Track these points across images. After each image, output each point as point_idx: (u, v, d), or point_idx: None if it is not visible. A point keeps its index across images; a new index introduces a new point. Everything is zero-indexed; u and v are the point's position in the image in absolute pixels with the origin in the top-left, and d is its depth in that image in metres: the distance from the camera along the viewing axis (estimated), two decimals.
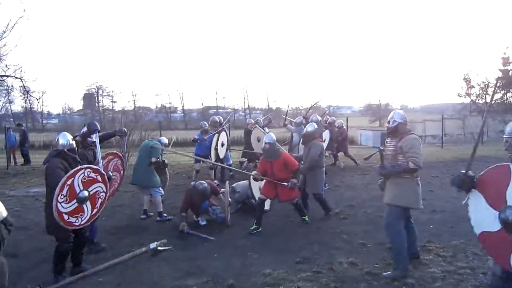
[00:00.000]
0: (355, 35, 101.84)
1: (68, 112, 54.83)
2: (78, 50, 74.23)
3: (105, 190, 4.67)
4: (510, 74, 27.68)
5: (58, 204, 4.12)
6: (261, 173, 6.43)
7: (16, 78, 16.48)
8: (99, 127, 5.47)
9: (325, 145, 11.28)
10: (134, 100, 53.74)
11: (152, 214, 7.16)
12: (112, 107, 52.42)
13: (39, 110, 50.50)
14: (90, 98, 52.74)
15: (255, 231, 6.10)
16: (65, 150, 4.54)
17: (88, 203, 4.45)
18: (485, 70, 77.68)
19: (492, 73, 41.95)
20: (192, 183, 6.84)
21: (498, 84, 28.15)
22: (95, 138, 5.36)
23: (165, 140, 7.81)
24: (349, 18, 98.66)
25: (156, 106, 56.40)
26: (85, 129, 5.53)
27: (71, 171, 4.29)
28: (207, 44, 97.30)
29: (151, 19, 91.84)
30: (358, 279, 4.34)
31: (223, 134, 10.09)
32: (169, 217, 6.99)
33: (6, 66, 16.39)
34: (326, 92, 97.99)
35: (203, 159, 9.19)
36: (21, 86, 17.23)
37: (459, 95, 29.87)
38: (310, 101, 62.34)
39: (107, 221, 6.85)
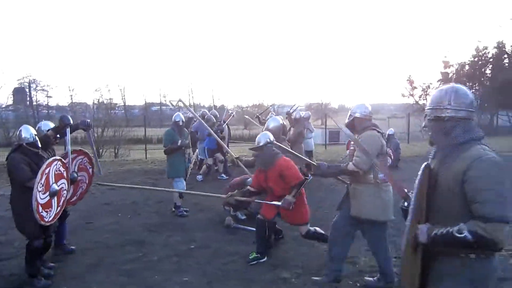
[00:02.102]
0: (299, 33, 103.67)
1: None
2: (8, 38, 68.02)
3: (67, 189, 4.50)
4: (449, 76, 29.61)
5: (38, 193, 3.89)
6: (255, 187, 4.87)
7: None
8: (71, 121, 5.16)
9: None
10: (71, 96, 50.68)
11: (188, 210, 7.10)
12: (47, 102, 49.05)
13: None
14: (21, 93, 48.87)
15: (255, 261, 4.74)
16: (24, 144, 4.29)
17: (55, 198, 4.22)
18: (426, 72, 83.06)
19: (433, 75, 45.18)
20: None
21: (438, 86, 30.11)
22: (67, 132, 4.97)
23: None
24: (292, 16, 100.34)
25: (93, 102, 53.81)
26: (43, 124, 5.05)
27: (49, 160, 4.14)
28: (151, 39, 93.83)
29: (91, 9, 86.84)
30: None
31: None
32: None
33: None
34: (269, 91, 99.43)
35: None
36: None
37: (403, 95, 31.61)
38: (253, 100, 63.07)
39: (151, 219, 6.73)
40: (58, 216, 4.36)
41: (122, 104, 52.95)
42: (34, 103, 49.20)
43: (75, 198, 5.26)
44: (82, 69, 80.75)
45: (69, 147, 4.88)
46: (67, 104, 50.75)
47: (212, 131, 7.24)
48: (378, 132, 3.85)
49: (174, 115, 7.14)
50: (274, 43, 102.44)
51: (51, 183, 4.12)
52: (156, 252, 5.21)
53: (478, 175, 1.98)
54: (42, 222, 4.00)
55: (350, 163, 3.75)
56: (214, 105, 54.40)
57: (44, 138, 4.67)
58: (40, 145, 4.41)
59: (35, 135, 4.38)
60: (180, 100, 7.29)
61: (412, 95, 31.33)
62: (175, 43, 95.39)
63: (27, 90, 49.56)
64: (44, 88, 49.46)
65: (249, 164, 5.68)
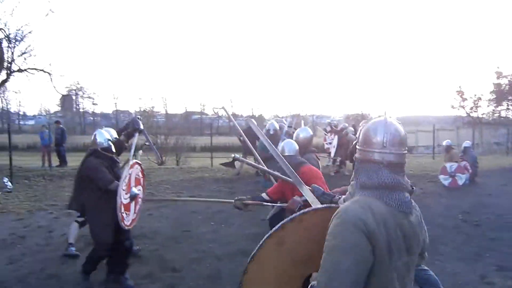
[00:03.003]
0: (339, 42, 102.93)
1: (44, 113, 52.56)
2: (57, 49, 70.90)
3: (142, 197, 4.42)
4: (502, 87, 28.60)
5: (122, 191, 3.85)
6: (273, 196, 4.39)
7: (45, 72, 15.40)
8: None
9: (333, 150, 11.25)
10: (116, 103, 52.23)
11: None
12: (93, 110, 50.65)
13: (17, 110, 48.32)
14: (69, 100, 50.62)
15: None
16: (99, 148, 4.32)
17: (133, 203, 4.17)
18: (476, 83, 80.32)
19: (484, 87, 43.71)
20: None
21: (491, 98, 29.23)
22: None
23: None
24: (334, 26, 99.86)
25: (135, 110, 55.04)
26: (103, 132, 4.53)
27: (131, 162, 4.18)
28: (193, 49, 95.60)
29: (136, 22, 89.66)
30: None
31: None
32: None
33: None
34: (307, 101, 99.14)
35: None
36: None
37: (453, 107, 30.71)
38: (290, 110, 62.92)
39: (247, 228, 6.55)
40: (134, 224, 4.28)
41: (164, 112, 53.99)
42: (81, 110, 50.73)
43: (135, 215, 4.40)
44: (126, 78, 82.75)
45: (132, 152, 4.83)
46: (111, 112, 52.30)
47: (264, 138, 7.25)
48: None
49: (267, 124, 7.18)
50: (315, 53, 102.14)
51: (131, 185, 4.11)
52: None
53: None
54: (122, 223, 3.93)
55: (342, 198, 3.09)
56: (253, 115, 55.33)
57: (117, 143, 4.66)
58: (114, 150, 4.45)
59: (109, 140, 4.39)
60: (223, 108, 7.35)
61: (462, 106, 30.32)
62: (216, 53, 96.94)
63: (74, 97, 51.25)
64: (91, 95, 50.95)
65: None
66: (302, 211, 1.88)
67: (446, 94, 64.48)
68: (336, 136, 11.13)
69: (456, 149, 11.32)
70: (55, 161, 14.58)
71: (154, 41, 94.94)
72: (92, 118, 49.30)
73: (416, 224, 1.62)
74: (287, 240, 1.81)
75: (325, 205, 2.30)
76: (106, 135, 4.40)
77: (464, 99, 30.15)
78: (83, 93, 50.59)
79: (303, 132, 5.39)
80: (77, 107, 51.37)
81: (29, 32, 14.68)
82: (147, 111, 53.06)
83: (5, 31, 14.20)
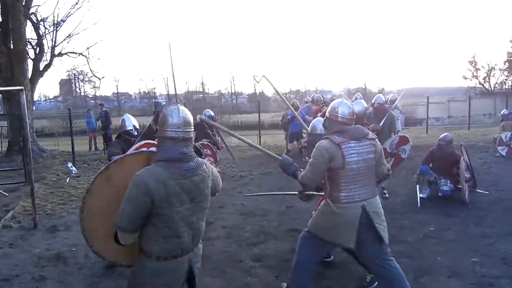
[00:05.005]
0: (337, 13, 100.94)
1: (43, 99, 51.81)
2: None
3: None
4: None
5: None
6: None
7: (82, 55, 15.73)
8: None
9: None
10: (117, 86, 51.47)
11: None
12: (95, 93, 49.80)
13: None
14: (68, 84, 49.90)
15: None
16: (121, 132, 4.75)
17: None
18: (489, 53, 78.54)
19: (498, 56, 42.91)
20: None
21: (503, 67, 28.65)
22: None
23: None
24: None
25: (134, 92, 54.58)
26: (130, 117, 4.89)
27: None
28: (192, 28, 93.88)
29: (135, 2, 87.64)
30: None
31: None
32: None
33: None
34: (307, 77, 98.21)
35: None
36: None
37: (465, 78, 30.15)
38: (291, 86, 62.21)
39: None
40: None
41: (166, 93, 53.34)
42: (82, 94, 50.09)
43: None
44: (126, 60, 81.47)
45: None
46: (110, 94, 51.63)
47: (296, 114, 6.85)
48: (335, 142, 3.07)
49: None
50: (313, 26, 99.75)
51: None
52: None
53: None
54: None
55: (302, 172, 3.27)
56: (254, 92, 54.81)
57: (148, 128, 4.51)
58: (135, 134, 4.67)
59: (134, 125, 4.74)
60: (264, 76, 6.68)
61: (476, 76, 29.71)
62: (214, 30, 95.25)
63: (75, 81, 50.55)
64: (91, 79, 50.13)
65: None
66: (123, 155, 2.98)
67: (455, 65, 62.90)
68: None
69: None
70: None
71: (153, 20, 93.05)
72: (93, 102, 48.57)
73: (199, 182, 2.33)
74: (112, 177, 2.49)
75: (138, 150, 3.02)
76: (132, 121, 4.75)
77: (477, 69, 29.52)
78: (83, 77, 49.71)
79: (358, 105, 4.94)
80: (78, 91, 50.67)
81: (67, 16, 14.77)
82: (148, 92, 52.58)
83: (37, 16, 14.17)
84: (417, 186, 6.59)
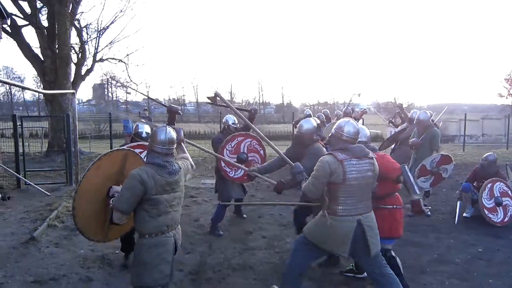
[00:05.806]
0: (373, 26, 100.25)
1: (77, 102, 53.15)
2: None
3: (257, 161, 5.54)
4: None
5: (227, 151, 5.42)
6: None
7: (121, 61, 16.56)
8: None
9: None
10: (148, 92, 52.36)
11: None
12: (126, 98, 50.85)
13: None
14: (101, 88, 51.10)
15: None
16: (133, 135, 5.00)
17: (243, 165, 5.13)
18: None
19: None
20: None
21: None
22: None
23: None
24: (365, 11, 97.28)
25: (164, 99, 55.33)
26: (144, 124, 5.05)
27: (244, 133, 5.62)
28: (222, 37, 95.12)
29: (166, 11, 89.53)
30: None
31: None
32: None
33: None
34: (335, 89, 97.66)
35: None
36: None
37: (501, 96, 29.33)
38: (318, 98, 62.00)
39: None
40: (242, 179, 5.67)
41: (195, 100, 54.07)
42: (114, 99, 51.18)
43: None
44: (158, 67, 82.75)
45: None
46: (141, 100, 52.52)
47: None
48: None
49: None
50: (346, 39, 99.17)
51: (241, 150, 5.50)
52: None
53: None
54: (227, 177, 5.55)
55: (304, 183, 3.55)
56: (283, 103, 54.94)
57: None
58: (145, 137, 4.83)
59: (146, 132, 4.83)
60: (215, 93, 5.00)
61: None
62: (245, 41, 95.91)
63: (108, 86, 51.68)
64: (124, 84, 51.18)
65: None
66: (111, 150, 3.79)
67: (490, 83, 61.40)
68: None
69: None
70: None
71: (183, 28, 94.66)
72: (124, 107, 49.54)
73: (178, 180, 3.12)
74: (102, 166, 3.25)
75: (124, 147, 3.95)
76: (146, 128, 4.91)
77: None
78: (117, 82, 50.83)
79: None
80: (111, 95, 51.81)
81: (111, 23, 15.40)
82: (178, 99, 53.22)
83: (81, 23, 14.82)
84: (458, 203, 6.42)
